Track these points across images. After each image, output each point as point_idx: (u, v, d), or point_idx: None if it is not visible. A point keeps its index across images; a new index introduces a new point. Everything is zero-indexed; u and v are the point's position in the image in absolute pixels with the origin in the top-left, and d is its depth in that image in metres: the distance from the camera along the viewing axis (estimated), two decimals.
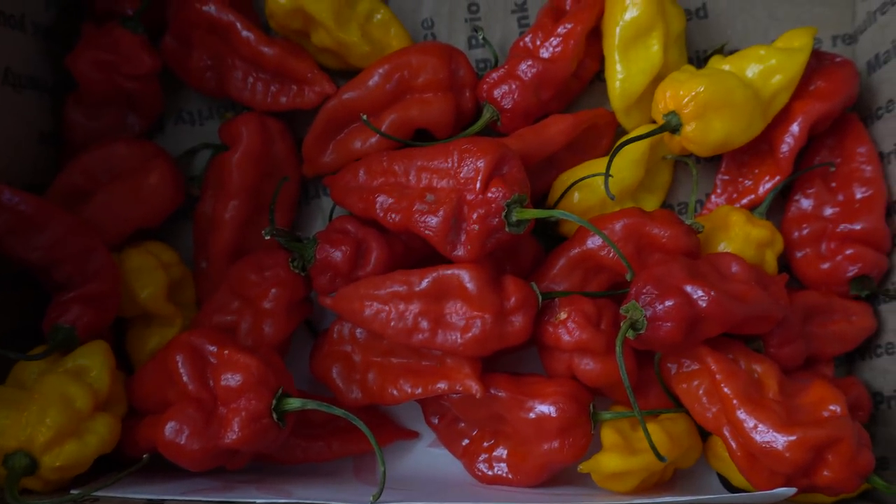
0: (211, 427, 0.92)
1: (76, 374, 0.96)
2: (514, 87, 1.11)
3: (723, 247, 1.09)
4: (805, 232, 1.14)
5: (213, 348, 0.94)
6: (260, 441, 0.92)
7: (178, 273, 1.13)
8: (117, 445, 0.98)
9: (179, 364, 0.93)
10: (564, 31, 1.12)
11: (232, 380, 0.91)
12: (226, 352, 0.93)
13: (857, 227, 1.10)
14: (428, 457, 1.14)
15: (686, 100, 1.05)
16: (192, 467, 0.94)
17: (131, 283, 1.07)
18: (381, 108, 1.12)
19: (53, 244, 0.98)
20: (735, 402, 0.95)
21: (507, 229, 0.96)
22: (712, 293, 0.94)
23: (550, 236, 1.14)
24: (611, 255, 1.03)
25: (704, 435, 1.08)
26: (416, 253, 1.08)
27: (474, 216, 0.95)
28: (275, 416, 0.92)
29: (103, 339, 1.03)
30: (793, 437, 0.90)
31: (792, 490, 0.91)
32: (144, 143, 1.13)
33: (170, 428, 0.91)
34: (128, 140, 1.12)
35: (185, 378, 0.93)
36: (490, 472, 1.06)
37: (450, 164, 0.98)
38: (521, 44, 1.15)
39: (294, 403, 0.93)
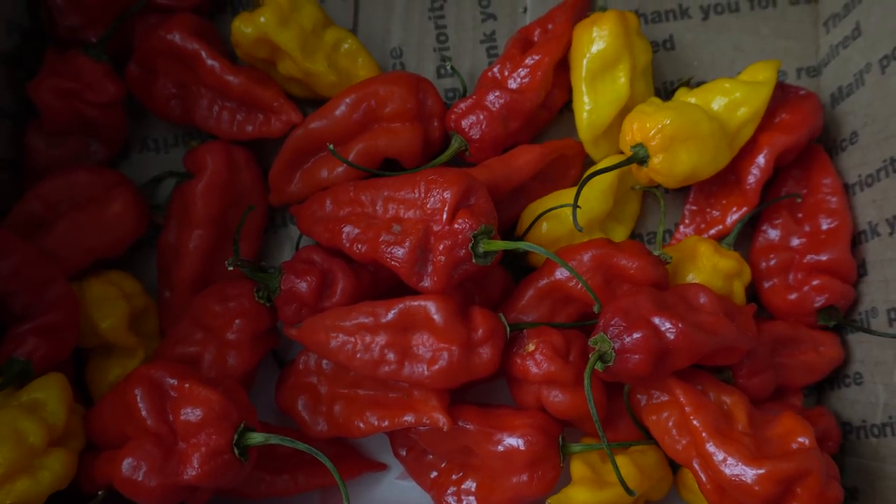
0: (170, 463, 0.89)
1: (30, 409, 0.93)
2: (482, 117, 1.10)
3: (691, 278, 1.09)
4: (772, 262, 1.14)
5: (173, 381, 0.92)
6: (221, 477, 0.89)
7: (140, 303, 1.11)
8: (74, 481, 0.95)
9: (138, 398, 0.91)
10: (532, 62, 1.12)
11: (192, 414, 0.89)
12: (186, 385, 0.91)
13: (824, 257, 1.11)
14: (396, 489, 1.13)
15: (653, 132, 1.05)
16: None
17: (92, 314, 1.05)
18: (349, 137, 1.11)
19: (9, 274, 0.97)
20: (704, 434, 0.94)
21: (474, 261, 0.95)
22: (680, 325, 0.94)
23: (519, 266, 1.14)
24: (579, 286, 1.03)
25: (675, 467, 1.07)
26: (383, 284, 1.07)
27: (441, 247, 0.94)
28: (236, 451, 0.90)
29: (62, 370, 1.00)
30: (762, 471, 0.90)
31: None
32: (107, 171, 1.11)
33: (127, 464, 0.89)
34: (90, 168, 1.10)
35: (143, 412, 0.91)
36: None
37: (416, 195, 0.97)
38: (490, 74, 1.15)
39: (256, 438, 0.91)
